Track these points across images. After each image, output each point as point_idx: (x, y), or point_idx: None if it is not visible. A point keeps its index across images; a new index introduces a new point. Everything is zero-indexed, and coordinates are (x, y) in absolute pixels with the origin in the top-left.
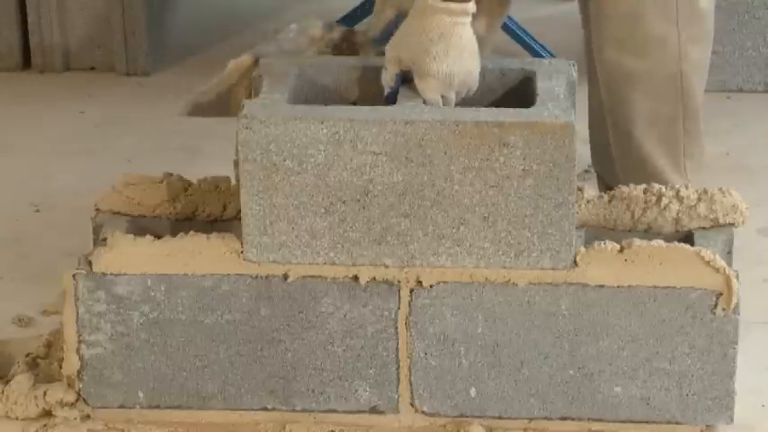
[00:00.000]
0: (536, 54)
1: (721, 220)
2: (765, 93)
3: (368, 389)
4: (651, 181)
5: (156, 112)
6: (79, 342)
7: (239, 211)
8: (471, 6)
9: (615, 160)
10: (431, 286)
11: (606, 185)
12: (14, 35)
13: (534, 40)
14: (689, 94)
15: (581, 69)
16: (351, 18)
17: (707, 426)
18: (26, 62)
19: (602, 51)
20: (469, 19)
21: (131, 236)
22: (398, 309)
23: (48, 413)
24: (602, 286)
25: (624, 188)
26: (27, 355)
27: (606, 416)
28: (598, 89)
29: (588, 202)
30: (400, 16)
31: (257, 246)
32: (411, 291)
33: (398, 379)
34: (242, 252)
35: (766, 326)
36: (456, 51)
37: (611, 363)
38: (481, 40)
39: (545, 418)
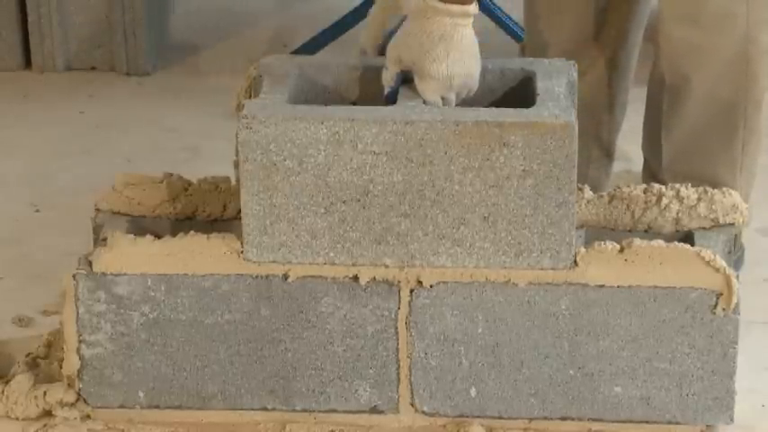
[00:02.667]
0: (509, 29)
1: (721, 220)
2: (765, 93)
3: (368, 389)
4: (697, 169)
5: (156, 112)
6: (79, 342)
7: (239, 211)
8: (473, 8)
9: (665, 149)
10: (431, 286)
11: (651, 172)
12: (14, 35)
13: (507, 17)
14: (754, 80)
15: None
16: (351, 17)
17: (707, 426)
18: (26, 62)
19: (667, 25)
20: (471, 21)
21: (131, 236)
22: (398, 309)
23: (48, 413)
24: (602, 286)
25: (624, 188)
26: (27, 355)
27: (606, 416)
28: (661, 66)
29: (588, 202)
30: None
31: (257, 246)
32: (411, 291)
33: (398, 379)
34: (242, 252)
35: (766, 326)
36: (456, 53)
37: (611, 363)
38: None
39: (545, 418)
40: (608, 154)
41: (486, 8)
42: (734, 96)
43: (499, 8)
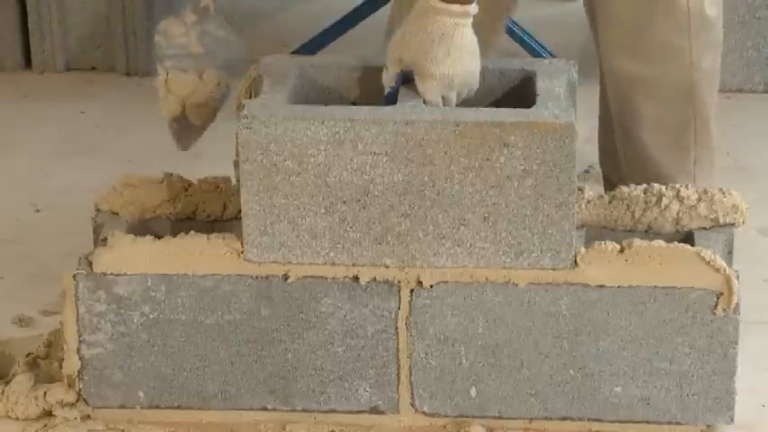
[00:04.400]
0: (536, 54)
1: (721, 220)
2: (765, 93)
3: (368, 389)
4: (654, 181)
5: (156, 112)
6: (79, 342)
7: (239, 211)
8: (473, 8)
9: (623, 163)
10: (431, 286)
11: (612, 185)
12: (14, 35)
13: (534, 40)
14: (700, 102)
15: (582, 70)
16: (351, 17)
17: (707, 426)
18: (26, 62)
19: (610, 58)
20: (470, 20)
21: (131, 236)
22: (398, 309)
23: (48, 413)
24: (602, 286)
25: (624, 188)
26: (27, 355)
27: (606, 416)
28: (607, 98)
29: (588, 202)
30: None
31: (257, 246)
32: (411, 291)
33: (398, 379)
34: (242, 252)
35: (766, 326)
36: (457, 53)
37: (611, 363)
38: (485, 44)
39: (545, 418)
40: None
41: None
42: (683, 120)
43: None
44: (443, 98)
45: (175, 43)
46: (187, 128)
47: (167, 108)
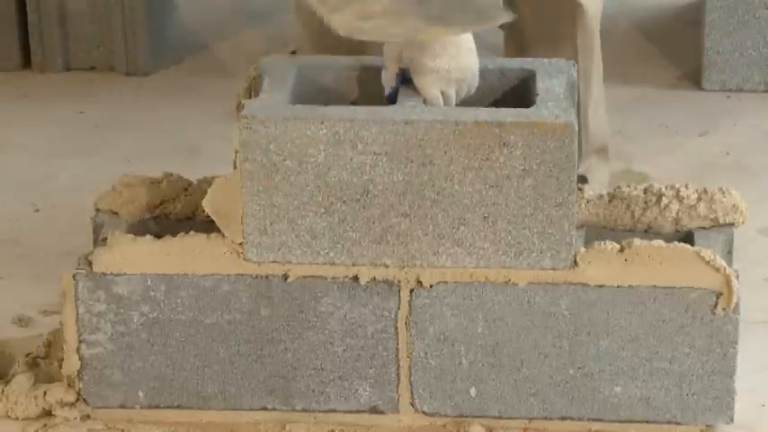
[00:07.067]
0: None
1: (721, 220)
2: (765, 93)
3: (368, 389)
4: (603, 126)
5: (156, 112)
6: (79, 342)
7: None
8: None
9: (583, 124)
10: (431, 286)
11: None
12: (14, 35)
13: None
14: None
15: None
16: None
17: (707, 426)
18: (26, 62)
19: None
20: None
21: (131, 236)
22: (398, 309)
23: (48, 413)
24: (602, 286)
25: (624, 188)
26: (27, 355)
27: (606, 416)
28: (584, 50)
29: (588, 202)
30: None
31: (257, 246)
32: (411, 291)
33: (398, 379)
34: (242, 252)
35: (766, 326)
36: (454, 47)
37: (611, 363)
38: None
39: (545, 418)
40: None
41: None
42: (597, 45)
43: None
44: (443, 94)
45: None
46: None
47: None
